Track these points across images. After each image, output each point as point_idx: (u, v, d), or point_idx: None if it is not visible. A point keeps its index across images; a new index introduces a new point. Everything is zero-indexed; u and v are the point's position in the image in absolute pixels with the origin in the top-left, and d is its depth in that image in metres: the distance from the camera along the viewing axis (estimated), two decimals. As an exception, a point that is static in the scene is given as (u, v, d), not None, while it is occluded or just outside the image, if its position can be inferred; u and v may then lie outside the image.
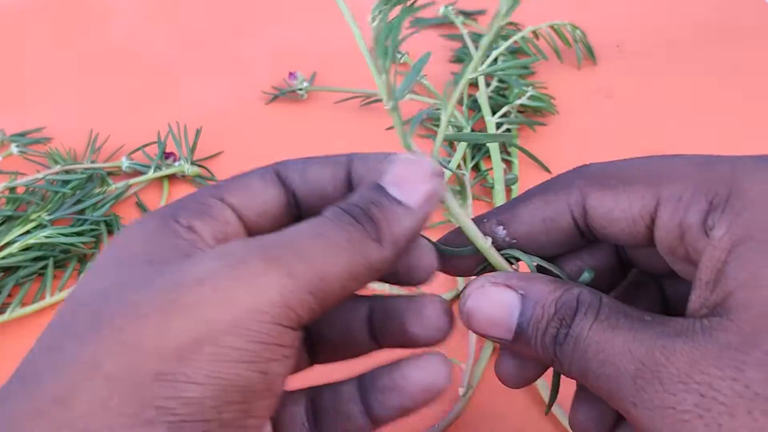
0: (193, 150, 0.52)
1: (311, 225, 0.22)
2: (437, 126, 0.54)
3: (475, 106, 0.54)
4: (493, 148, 0.49)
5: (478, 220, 0.26)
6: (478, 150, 0.51)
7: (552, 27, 0.60)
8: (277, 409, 0.25)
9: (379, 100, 0.56)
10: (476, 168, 0.51)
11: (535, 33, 0.60)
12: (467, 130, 0.52)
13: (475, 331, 0.24)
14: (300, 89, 0.58)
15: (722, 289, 0.20)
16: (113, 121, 0.57)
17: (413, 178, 0.23)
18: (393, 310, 0.26)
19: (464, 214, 0.25)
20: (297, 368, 0.27)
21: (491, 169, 0.48)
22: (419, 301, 0.26)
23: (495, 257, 0.25)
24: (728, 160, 0.22)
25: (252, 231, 0.25)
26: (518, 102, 0.53)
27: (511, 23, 0.64)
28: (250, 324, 0.19)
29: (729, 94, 0.58)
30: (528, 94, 0.54)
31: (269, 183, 0.26)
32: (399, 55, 0.61)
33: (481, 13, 0.67)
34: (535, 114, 0.55)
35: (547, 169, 0.51)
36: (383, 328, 0.27)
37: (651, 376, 0.20)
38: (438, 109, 0.55)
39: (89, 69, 0.64)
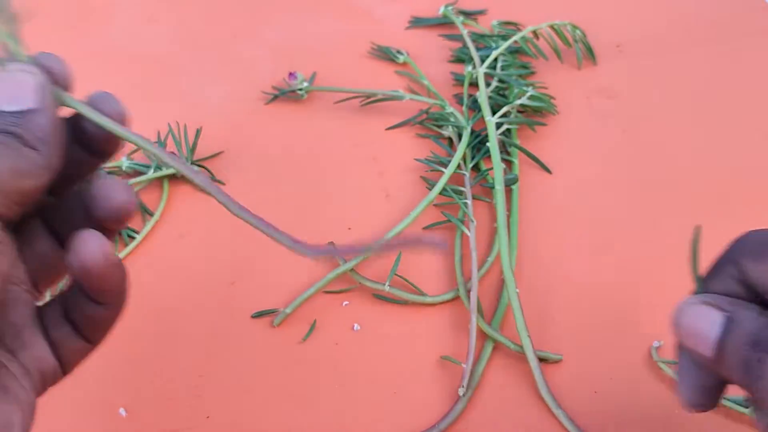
0: (193, 150, 0.52)
1: None
2: (438, 126, 0.54)
3: (475, 106, 0.55)
4: (493, 148, 0.49)
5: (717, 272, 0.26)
6: (478, 150, 0.51)
7: (552, 27, 0.60)
8: None
9: (380, 101, 0.56)
10: (476, 168, 0.51)
11: (535, 33, 0.60)
12: (467, 130, 0.52)
13: (682, 343, 0.26)
14: (300, 89, 0.58)
15: None
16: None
17: (17, 87, 0.25)
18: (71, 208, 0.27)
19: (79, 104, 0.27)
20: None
21: (491, 169, 0.48)
22: (101, 185, 0.26)
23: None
24: None
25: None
26: (518, 102, 0.53)
27: (511, 23, 0.64)
28: None
29: (729, 93, 0.58)
30: (528, 94, 0.54)
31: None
32: (400, 55, 0.61)
33: (481, 13, 0.67)
34: (535, 114, 0.55)
35: (547, 169, 0.51)
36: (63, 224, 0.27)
37: None
38: (443, 109, 0.55)
39: (89, 69, 0.64)
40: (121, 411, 0.38)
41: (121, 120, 0.28)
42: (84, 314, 0.26)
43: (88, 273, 0.24)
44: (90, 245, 0.24)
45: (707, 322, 0.25)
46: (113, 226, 0.26)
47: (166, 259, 0.47)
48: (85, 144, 0.27)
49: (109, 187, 0.26)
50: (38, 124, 0.25)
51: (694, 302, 0.26)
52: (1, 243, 0.22)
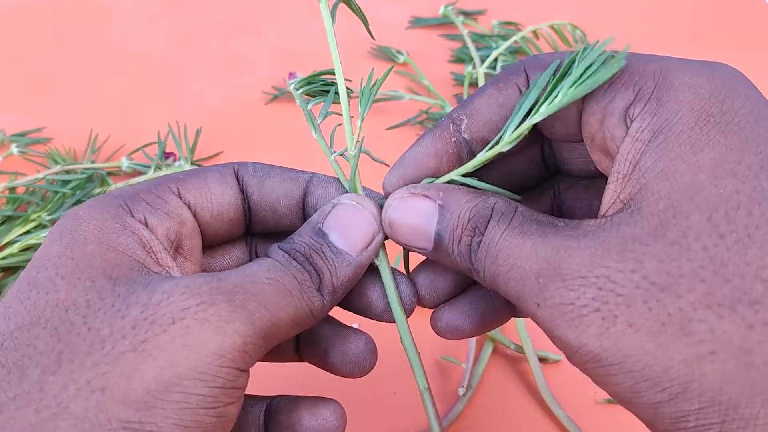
0: (193, 150, 0.52)
1: (264, 269, 0.22)
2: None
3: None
4: (493, 148, 0.49)
5: (444, 123, 0.26)
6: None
7: (552, 27, 0.60)
8: None
9: (380, 101, 0.56)
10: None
11: (535, 33, 0.60)
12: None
13: (398, 241, 0.25)
14: (300, 89, 0.58)
15: (637, 182, 0.20)
16: (113, 121, 0.57)
17: (354, 226, 0.24)
18: (319, 335, 0.26)
19: (389, 275, 0.26)
20: None
21: (491, 169, 0.48)
22: (345, 335, 0.26)
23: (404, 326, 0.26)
24: (659, 58, 0.23)
25: (206, 231, 0.25)
26: (518, 102, 0.53)
27: (511, 23, 0.64)
28: (214, 369, 0.19)
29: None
30: (528, 94, 0.54)
31: (228, 186, 0.25)
32: (400, 55, 0.61)
33: (481, 13, 0.67)
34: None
35: (547, 169, 0.51)
36: (307, 348, 0.27)
37: (553, 274, 0.20)
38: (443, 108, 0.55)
39: (89, 69, 0.64)
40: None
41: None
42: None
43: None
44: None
45: (421, 215, 0.24)
46: None
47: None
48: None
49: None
50: (345, 274, 0.24)
51: (401, 195, 0.24)
52: (243, 388, 0.21)
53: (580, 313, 0.19)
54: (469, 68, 0.57)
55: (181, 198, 0.24)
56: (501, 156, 0.24)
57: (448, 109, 0.54)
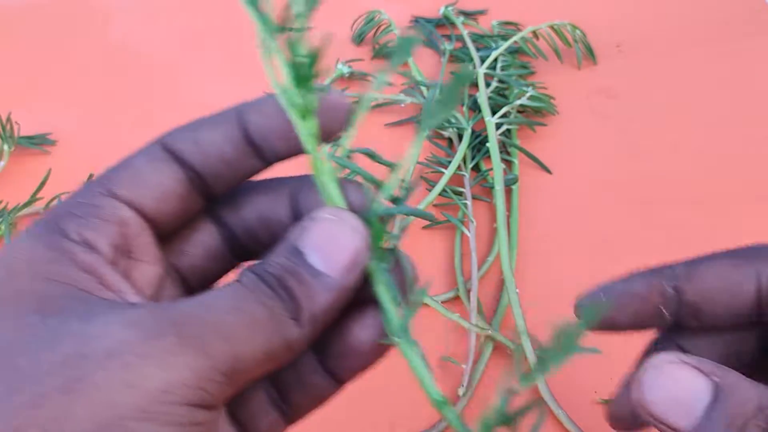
0: None
1: (228, 297, 0.19)
2: (438, 126, 0.54)
3: (475, 107, 0.54)
4: (493, 148, 0.49)
5: (655, 272, 0.23)
6: (478, 150, 0.51)
7: (552, 27, 0.60)
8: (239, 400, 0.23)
9: (380, 105, 0.56)
10: (476, 168, 0.51)
11: (535, 33, 0.60)
12: (468, 130, 0.52)
13: (651, 413, 0.21)
14: (300, 90, 0.58)
15: None
16: (113, 121, 0.57)
17: (335, 243, 0.21)
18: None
19: (389, 299, 0.22)
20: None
21: (491, 169, 0.48)
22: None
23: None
24: None
25: (155, 221, 0.23)
26: (518, 102, 0.53)
27: (511, 23, 0.64)
28: (162, 407, 0.17)
29: (729, 93, 0.58)
30: (528, 94, 0.54)
31: (161, 162, 0.22)
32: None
33: (481, 13, 0.67)
34: (535, 114, 0.55)
35: (547, 170, 0.51)
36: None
37: None
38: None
39: (89, 69, 0.64)
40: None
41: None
42: (302, 391, 0.23)
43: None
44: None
45: (689, 388, 0.20)
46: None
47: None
48: (257, 152, 0.24)
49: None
50: (326, 300, 0.20)
51: (671, 361, 0.21)
52: (208, 423, 0.18)
53: None
54: (469, 68, 0.57)
55: (115, 197, 0.22)
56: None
57: (448, 109, 0.54)
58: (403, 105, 0.56)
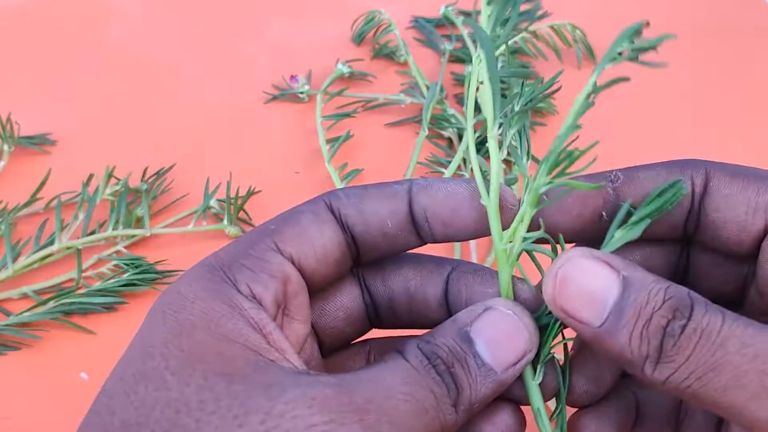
0: (238, 210, 0.48)
1: (400, 380, 0.20)
2: (438, 126, 0.54)
3: (475, 107, 0.54)
4: (493, 148, 0.49)
5: (595, 176, 0.24)
6: (478, 151, 0.51)
7: (552, 27, 0.60)
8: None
9: (381, 105, 0.56)
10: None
11: (535, 33, 0.60)
12: (468, 130, 0.51)
13: (562, 308, 0.21)
14: (301, 92, 0.58)
15: None
16: (113, 121, 0.57)
17: (507, 339, 0.21)
18: None
19: (539, 398, 0.22)
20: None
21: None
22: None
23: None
24: None
25: (311, 281, 0.23)
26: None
27: (511, 23, 0.64)
28: None
29: (729, 93, 0.58)
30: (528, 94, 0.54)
31: (326, 224, 0.23)
32: (399, 55, 0.61)
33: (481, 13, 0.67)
34: (535, 114, 0.55)
35: (547, 170, 0.51)
36: None
37: None
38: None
39: (89, 69, 0.64)
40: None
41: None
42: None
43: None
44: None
45: (600, 282, 0.20)
46: None
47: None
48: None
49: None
50: (485, 391, 0.21)
51: (582, 254, 0.21)
52: None
53: None
54: (469, 68, 0.57)
55: (281, 252, 0.22)
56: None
57: (448, 109, 0.54)
58: (403, 105, 0.56)
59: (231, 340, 0.19)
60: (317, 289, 0.24)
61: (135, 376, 0.19)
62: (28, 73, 0.64)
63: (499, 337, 0.21)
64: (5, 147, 0.53)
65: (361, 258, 0.24)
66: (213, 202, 0.48)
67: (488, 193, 0.24)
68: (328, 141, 0.53)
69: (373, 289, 0.25)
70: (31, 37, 0.68)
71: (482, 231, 0.24)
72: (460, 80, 0.58)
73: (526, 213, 0.23)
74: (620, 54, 0.22)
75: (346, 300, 0.25)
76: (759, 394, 0.18)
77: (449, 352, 0.21)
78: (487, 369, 0.21)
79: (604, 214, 0.24)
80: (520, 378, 0.23)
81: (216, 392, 0.18)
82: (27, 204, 0.48)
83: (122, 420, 0.18)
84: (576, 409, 0.25)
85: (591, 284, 0.21)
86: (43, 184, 0.49)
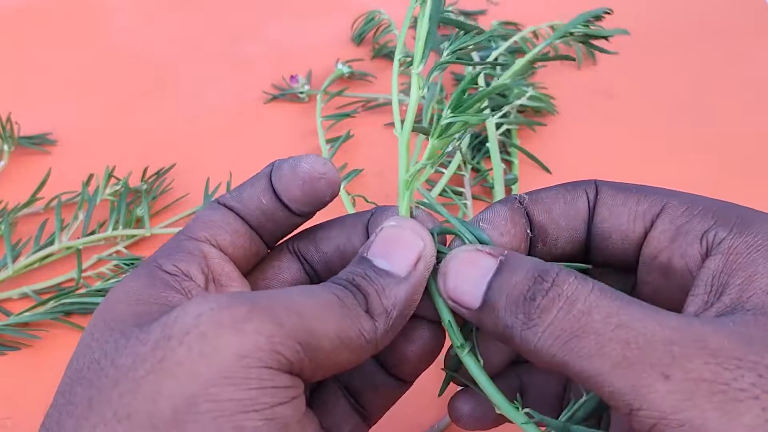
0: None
1: (302, 287, 0.22)
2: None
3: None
4: (493, 148, 0.49)
5: (506, 199, 0.26)
6: (478, 151, 0.51)
7: (552, 27, 0.60)
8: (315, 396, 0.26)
9: (382, 105, 0.56)
10: (476, 168, 0.51)
11: (535, 33, 0.60)
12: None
13: (450, 298, 0.23)
14: (301, 92, 0.58)
15: (737, 293, 0.20)
16: (113, 121, 0.57)
17: (397, 244, 0.23)
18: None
19: (448, 312, 0.24)
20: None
21: (491, 169, 0.48)
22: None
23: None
24: (735, 206, 0.23)
25: (233, 255, 0.25)
26: (518, 102, 0.53)
27: (511, 23, 0.64)
28: (241, 371, 0.19)
29: (729, 93, 0.58)
30: (528, 94, 0.54)
31: (223, 211, 0.26)
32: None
33: (481, 13, 0.67)
34: (535, 114, 0.55)
35: (547, 170, 0.51)
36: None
37: (696, 347, 0.18)
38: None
39: (89, 69, 0.64)
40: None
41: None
42: (375, 393, 0.26)
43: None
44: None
45: (478, 268, 0.22)
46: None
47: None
48: (289, 207, 0.26)
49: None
50: (395, 294, 0.22)
51: (466, 249, 0.23)
52: (292, 388, 0.20)
53: (736, 398, 0.17)
54: (469, 68, 0.57)
55: (195, 239, 0.25)
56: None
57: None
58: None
59: (150, 303, 0.22)
60: (246, 263, 0.26)
61: (73, 358, 0.21)
62: (28, 73, 0.64)
63: (390, 246, 0.23)
64: (5, 147, 0.53)
65: (268, 235, 0.26)
66: (213, 202, 0.48)
67: (401, 126, 0.26)
68: (328, 141, 0.53)
69: (309, 258, 0.27)
70: (31, 37, 0.68)
71: (326, 201, 0.26)
72: (460, 80, 0.58)
73: (430, 145, 0.25)
74: (571, 34, 0.24)
75: (288, 275, 0.27)
76: (620, 363, 0.19)
77: (350, 273, 0.23)
78: (389, 275, 0.22)
79: (528, 231, 0.25)
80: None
81: (129, 335, 0.20)
82: (27, 204, 0.48)
83: (60, 391, 0.21)
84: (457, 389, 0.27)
85: (471, 272, 0.22)
86: (43, 184, 0.49)
